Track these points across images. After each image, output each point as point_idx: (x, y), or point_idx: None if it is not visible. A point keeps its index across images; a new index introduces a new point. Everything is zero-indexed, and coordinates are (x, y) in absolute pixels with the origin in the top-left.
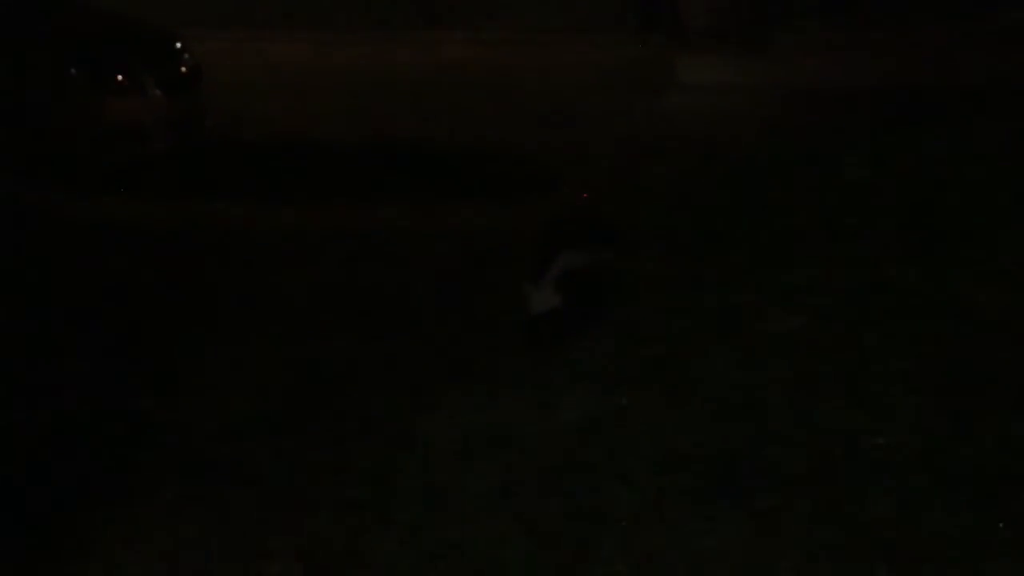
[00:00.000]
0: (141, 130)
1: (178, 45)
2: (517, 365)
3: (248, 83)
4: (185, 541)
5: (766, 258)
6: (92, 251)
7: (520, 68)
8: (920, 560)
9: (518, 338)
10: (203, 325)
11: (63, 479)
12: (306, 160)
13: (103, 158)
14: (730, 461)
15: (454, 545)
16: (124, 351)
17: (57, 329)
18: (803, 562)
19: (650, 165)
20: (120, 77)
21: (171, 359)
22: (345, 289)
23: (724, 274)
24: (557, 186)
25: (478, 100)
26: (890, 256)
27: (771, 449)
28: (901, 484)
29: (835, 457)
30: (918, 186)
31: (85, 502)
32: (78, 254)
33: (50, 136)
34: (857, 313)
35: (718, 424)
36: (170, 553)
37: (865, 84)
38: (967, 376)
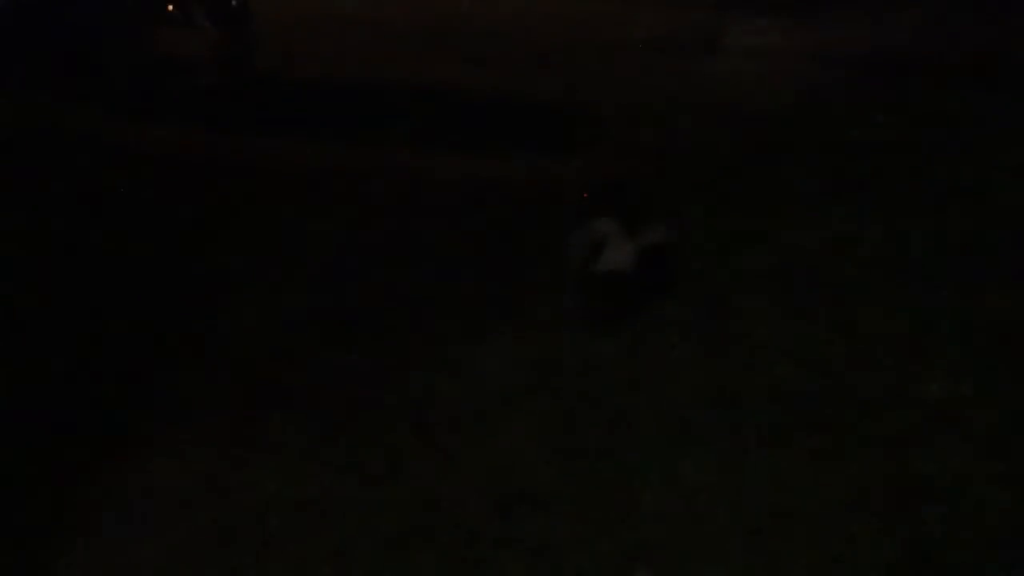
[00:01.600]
0: (190, 62)
1: None
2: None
3: (302, 23)
4: (233, 459)
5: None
6: (140, 178)
7: (572, 24)
8: None
9: (571, 293)
10: (242, 263)
11: (109, 383)
12: (353, 102)
13: (153, 87)
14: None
15: (491, 467)
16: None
17: (107, 245)
18: None
19: (694, 124)
20: (171, 7)
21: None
22: (382, 232)
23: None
24: (602, 143)
25: (528, 53)
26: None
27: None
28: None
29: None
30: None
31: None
32: (128, 181)
33: (101, 64)
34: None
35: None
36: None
37: (906, 50)
38: None
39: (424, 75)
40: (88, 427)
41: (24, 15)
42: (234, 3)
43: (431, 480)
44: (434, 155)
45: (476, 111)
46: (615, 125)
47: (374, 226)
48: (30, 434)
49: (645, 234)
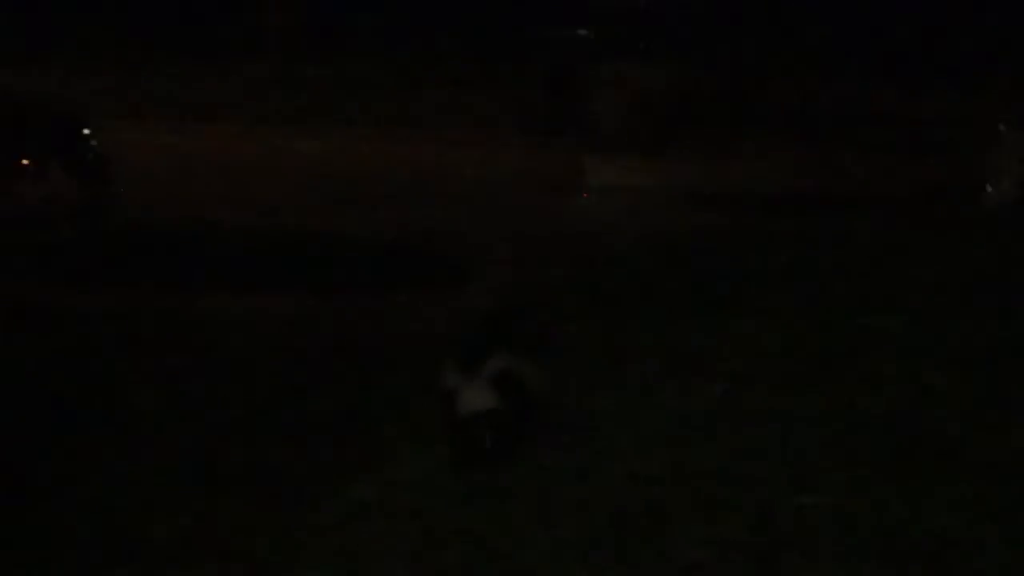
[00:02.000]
0: (48, 214)
1: (86, 131)
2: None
3: (159, 170)
4: None
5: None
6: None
7: (430, 168)
8: None
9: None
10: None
11: None
12: (215, 246)
13: (9, 241)
14: None
15: None
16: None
17: None
18: None
19: (563, 256)
20: (26, 161)
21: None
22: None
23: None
24: (471, 279)
25: (389, 195)
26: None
27: None
28: None
29: None
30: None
31: None
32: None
33: None
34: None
35: None
36: None
37: (757, 187)
38: None
39: (285, 219)
40: None
41: None
42: (90, 154)
43: None
44: (294, 297)
45: (340, 251)
46: (481, 262)
47: (223, 376)
48: None
49: (497, 360)
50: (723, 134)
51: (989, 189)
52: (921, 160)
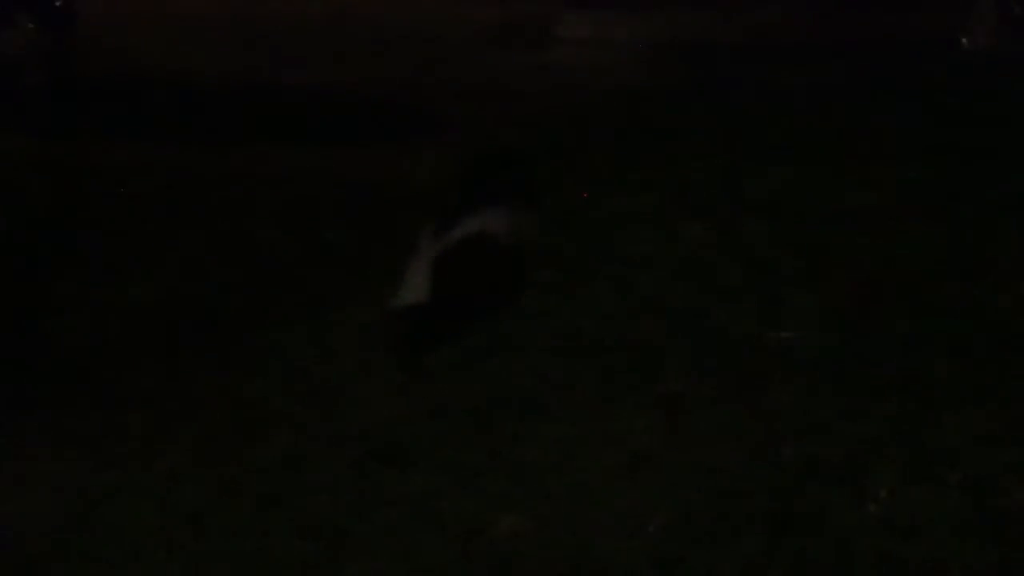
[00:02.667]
0: (14, 63)
1: None
2: None
3: (130, 20)
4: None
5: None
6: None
7: (401, 21)
8: None
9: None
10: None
11: None
12: (187, 99)
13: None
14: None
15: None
16: None
17: None
18: None
19: (530, 106)
20: None
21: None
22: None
23: None
24: (446, 132)
25: (359, 47)
26: None
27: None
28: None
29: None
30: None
31: None
32: None
33: None
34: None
35: None
36: None
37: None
38: None
39: (253, 73)
40: None
41: None
42: (57, 3)
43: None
44: (273, 150)
45: (312, 107)
46: (456, 114)
47: (200, 225)
48: None
49: (461, 227)
50: None
51: (964, 40)
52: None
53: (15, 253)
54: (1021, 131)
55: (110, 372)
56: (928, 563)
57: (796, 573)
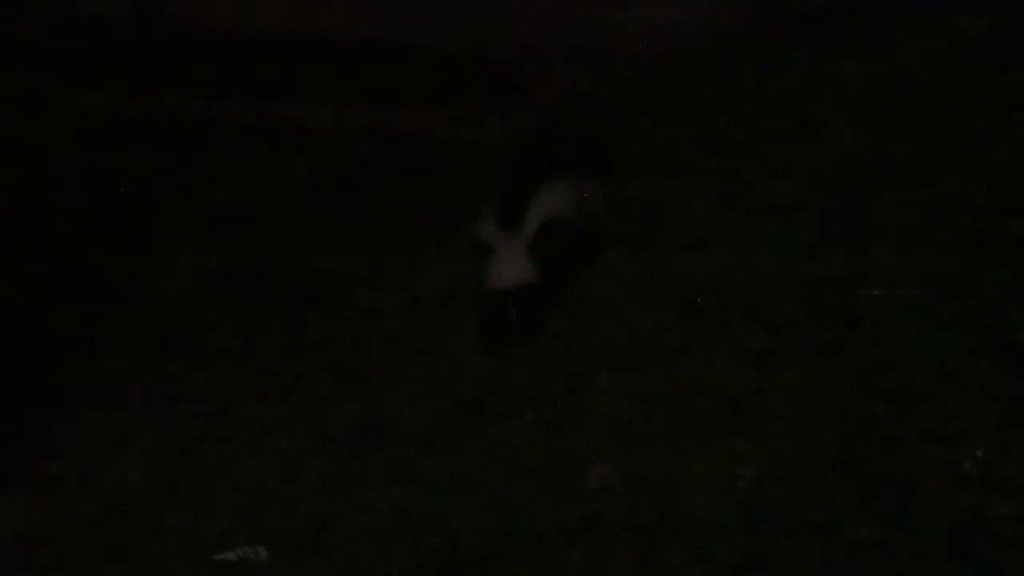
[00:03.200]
0: (105, 19)
1: None
2: None
3: None
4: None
5: None
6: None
7: None
8: None
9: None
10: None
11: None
12: (277, 55)
13: (71, 47)
14: None
15: None
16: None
17: None
18: None
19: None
20: None
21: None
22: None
23: None
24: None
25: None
26: None
27: None
28: None
29: None
30: None
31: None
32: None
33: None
34: None
35: None
36: None
37: None
38: None
39: (334, 27)
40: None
41: None
42: None
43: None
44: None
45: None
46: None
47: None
48: None
49: (538, 208)
50: None
51: None
52: None
53: (110, 211)
54: None
55: (200, 327)
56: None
57: (887, 531)
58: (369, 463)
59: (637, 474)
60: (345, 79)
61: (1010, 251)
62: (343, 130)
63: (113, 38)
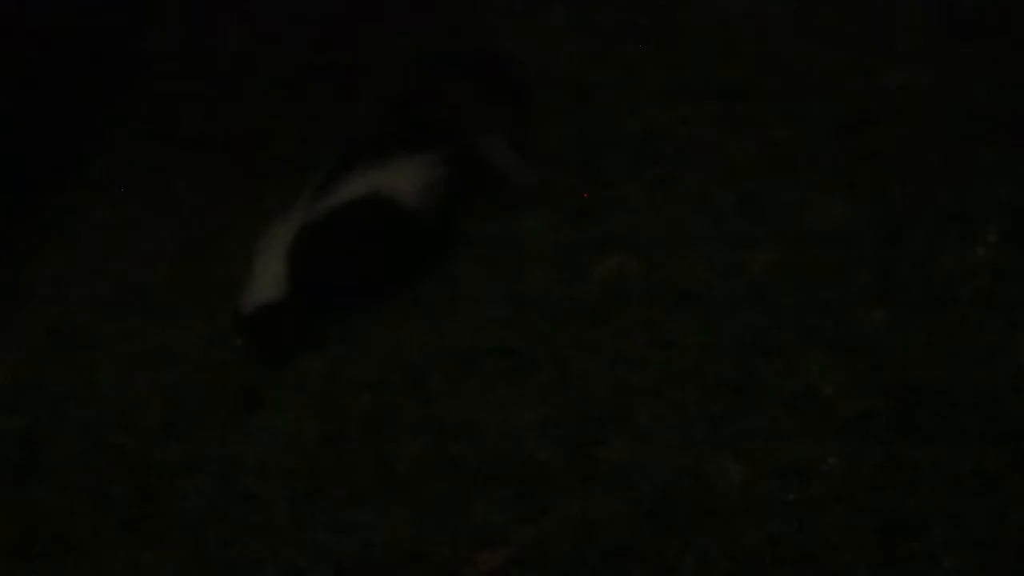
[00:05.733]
0: None
1: None
2: None
3: None
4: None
5: None
6: None
7: None
8: None
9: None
10: None
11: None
12: None
13: None
14: None
15: None
16: None
17: None
18: None
19: None
20: None
21: None
22: None
23: None
24: None
25: None
26: None
27: None
28: None
29: None
30: None
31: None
32: None
33: None
34: None
35: None
36: None
37: None
38: None
39: None
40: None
41: None
42: None
43: None
44: None
45: None
46: None
47: None
48: None
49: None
50: None
51: None
52: None
53: None
54: None
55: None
56: None
57: (900, 312)
58: None
59: (653, 260)
60: None
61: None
62: None
63: None
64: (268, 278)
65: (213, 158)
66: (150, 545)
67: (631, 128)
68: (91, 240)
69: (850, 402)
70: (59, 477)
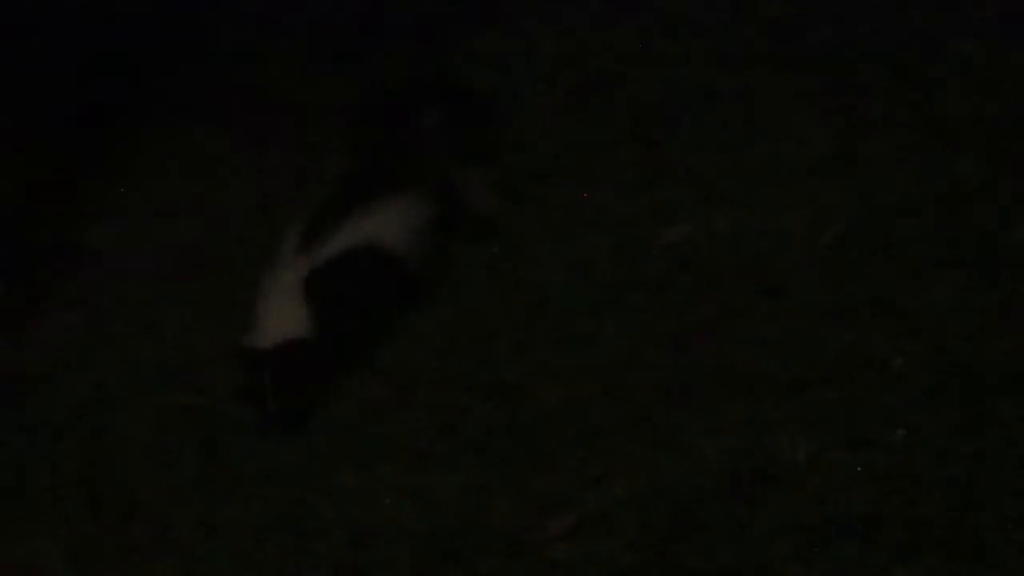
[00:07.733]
0: None
1: None
2: None
3: None
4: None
5: None
6: None
7: None
8: None
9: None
10: None
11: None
12: None
13: None
14: None
15: None
16: None
17: None
18: None
19: None
20: None
21: None
22: None
23: None
24: None
25: None
26: None
27: None
28: None
29: None
30: None
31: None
32: None
33: None
34: None
35: None
36: None
37: None
38: None
39: None
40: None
41: None
42: None
43: None
44: None
45: None
46: None
47: None
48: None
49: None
50: None
51: None
52: None
53: None
54: None
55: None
56: None
57: (970, 285)
58: None
59: (718, 231)
60: None
61: None
62: None
63: None
64: (286, 315)
65: None
66: (218, 505)
67: (695, 96)
68: (155, 206)
69: (920, 375)
70: (128, 437)
